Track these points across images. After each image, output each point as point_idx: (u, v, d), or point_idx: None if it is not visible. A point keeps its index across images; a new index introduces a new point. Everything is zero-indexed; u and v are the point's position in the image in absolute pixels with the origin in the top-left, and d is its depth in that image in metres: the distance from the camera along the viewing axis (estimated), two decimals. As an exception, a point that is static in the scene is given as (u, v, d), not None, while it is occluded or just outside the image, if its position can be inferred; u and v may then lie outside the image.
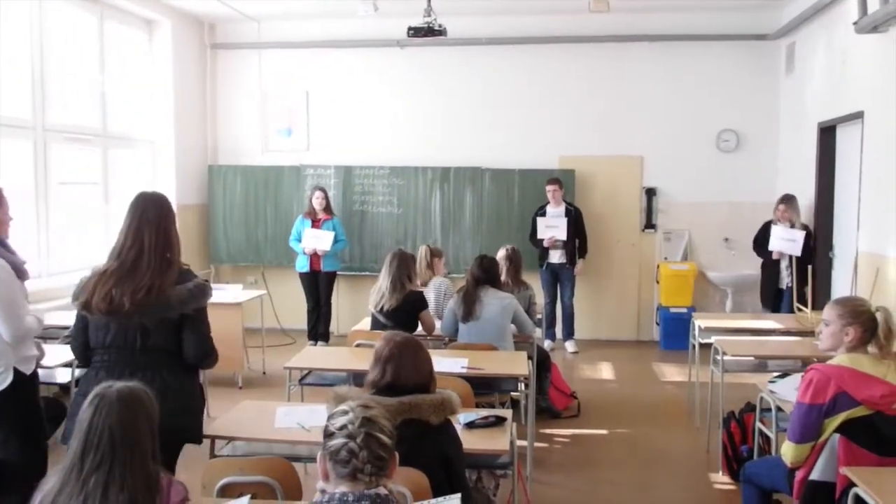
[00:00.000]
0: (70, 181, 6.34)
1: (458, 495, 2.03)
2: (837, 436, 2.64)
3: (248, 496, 2.33)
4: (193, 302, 2.73)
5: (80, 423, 1.84)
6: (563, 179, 7.34)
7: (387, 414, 1.90)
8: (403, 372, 2.49)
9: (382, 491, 1.77)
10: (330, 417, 1.85)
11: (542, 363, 5.23)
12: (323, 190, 7.25)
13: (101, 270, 2.74)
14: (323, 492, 1.82)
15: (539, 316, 5.95)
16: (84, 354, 2.79)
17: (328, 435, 1.81)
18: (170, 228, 2.84)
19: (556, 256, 7.22)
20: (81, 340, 2.78)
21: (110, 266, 2.74)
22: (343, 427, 1.78)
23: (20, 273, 3.40)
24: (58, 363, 4.01)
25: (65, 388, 4.10)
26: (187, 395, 2.79)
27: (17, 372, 3.20)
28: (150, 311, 2.66)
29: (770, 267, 6.43)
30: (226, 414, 3.26)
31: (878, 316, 2.75)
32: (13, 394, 3.17)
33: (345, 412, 1.82)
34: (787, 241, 6.18)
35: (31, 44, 5.79)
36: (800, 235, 6.12)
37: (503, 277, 5.26)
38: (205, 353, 2.80)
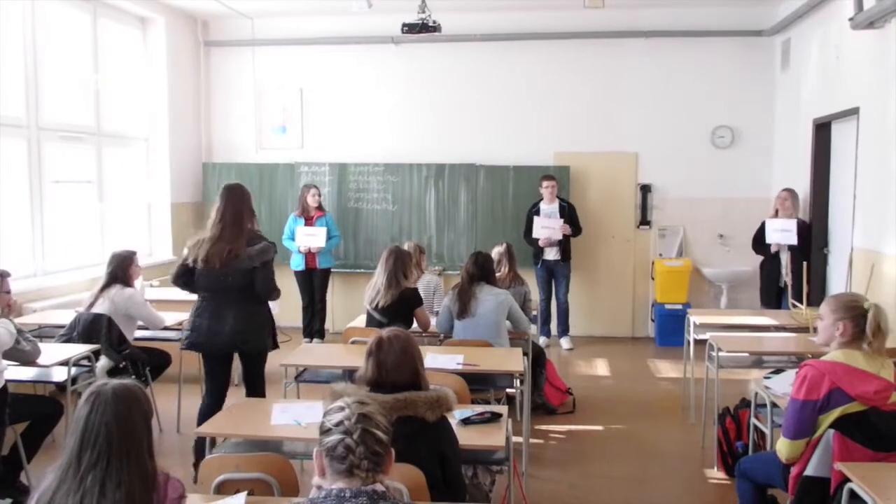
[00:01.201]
0: (64, 180, 6.31)
1: None
2: (832, 431, 2.66)
3: (245, 492, 2.34)
4: (259, 258, 3.93)
5: (77, 420, 1.84)
6: (557, 176, 7.35)
7: (382, 410, 1.90)
8: (384, 367, 2.50)
9: (379, 487, 1.77)
10: (326, 414, 1.85)
11: (538, 359, 5.24)
12: (317, 187, 7.25)
13: (200, 238, 3.96)
14: (319, 488, 1.82)
15: (534, 312, 5.96)
16: (181, 280, 4.02)
17: (324, 431, 1.81)
18: (242, 209, 4.02)
19: (551, 253, 7.22)
20: (180, 272, 4.00)
21: (205, 235, 3.96)
22: (339, 423, 1.79)
23: None
24: (53, 362, 4.00)
25: (61, 386, 4.09)
26: (261, 318, 4.08)
27: None
28: (232, 266, 3.89)
29: (770, 265, 6.40)
30: (222, 411, 3.26)
31: (868, 312, 2.76)
32: None
33: (341, 408, 1.83)
34: (782, 233, 6.18)
35: (24, 42, 5.77)
36: (792, 224, 6.13)
37: (504, 273, 5.28)
38: (269, 290, 4.03)
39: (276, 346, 4.15)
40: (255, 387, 4.07)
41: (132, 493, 1.79)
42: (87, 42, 6.62)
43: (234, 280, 3.89)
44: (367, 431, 1.77)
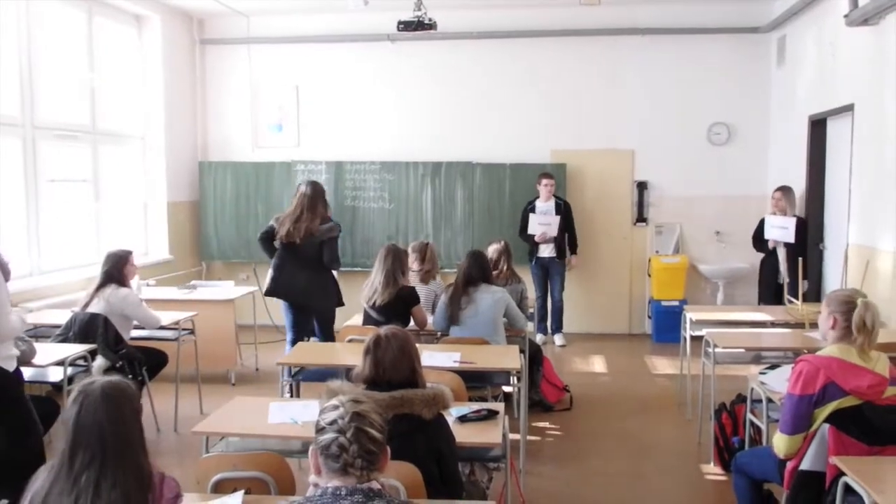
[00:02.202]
0: (60, 178, 6.30)
1: None
2: (827, 426, 2.67)
3: (242, 491, 2.34)
4: (327, 234, 5.24)
5: (66, 421, 1.82)
6: (554, 173, 7.36)
7: (378, 408, 1.90)
8: (381, 365, 2.50)
9: (375, 485, 1.78)
10: (321, 412, 1.85)
11: (534, 357, 5.24)
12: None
13: (282, 217, 5.29)
14: (316, 486, 1.83)
15: (531, 310, 5.96)
16: (263, 240, 5.35)
17: (319, 430, 1.81)
18: (317, 199, 5.28)
19: (546, 251, 7.23)
20: (265, 236, 5.33)
21: (286, 216, 5.25)
22: (333, 422, 1.79)
23: (4, 272, 3.46)
24: (49, 362, 3.99)
25: (57, 386, 4.08)
26: (325, 281, 5.34)
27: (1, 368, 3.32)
28: (308, 240, 5.17)
29: (769, 262, 6.41)
30: (219, 410, 3.26)
31: (855, 308, 2.76)
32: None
33: (335, 407, 1.83)
34: (780, 229, 6.19)
35: (18, 40, 5.75)
36: (791, 222, 6.14)
37: (501, 270, 5.26)
38: (333, 260, 5.28)
39: (340, 303, 5.43)
40: (327, 337, 5.33)
41: (127, 492, 1.77)
42: (82, 40, 6.60)
43: (308, 251, 5.18)
44: (361, 430, 1.77)
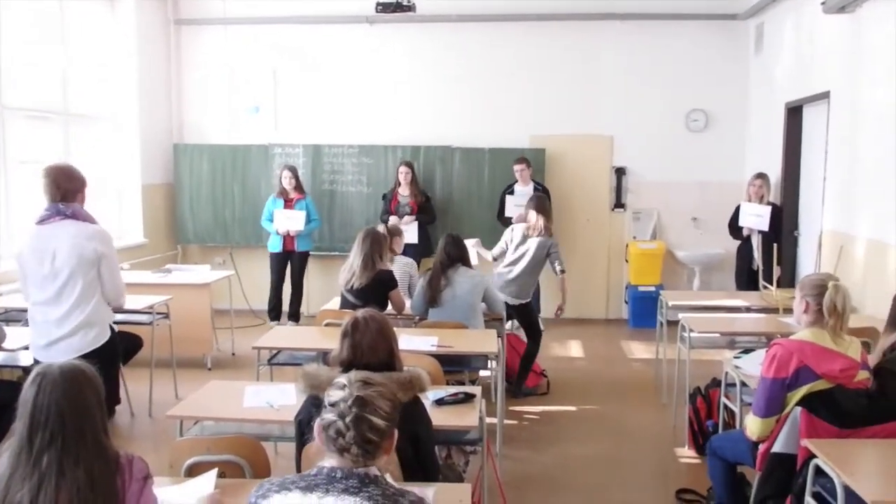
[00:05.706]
0: (30, 160, 6.16)
1: None
2: (799, 409, 2.70)
3: (215, 470, 2.32)
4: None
5: (24, 403, 1.77)
6: (533, 158, 7.34)
7: (389, 392, 1.83)
8: (359, 349, 2.48)
9: (373, 471, 1.73)
10: (330, 386, 1.82)
11: (530, 355, 5.33)
12: (292, 169, 7.13)
13: None
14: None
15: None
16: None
17: (325, 406, 1.78)
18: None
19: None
20: None
21: None
22: (335, 403, 1.75)
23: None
24: (20, 346, 3.92)
25: (28, 371, 4.00)
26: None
27: (110, 328, 3.72)
28: None
29: (744, 249, 6.48)
30: (194, 394, 3.23)
31: (826, 292, 2.79)
32: (109, 348, 3.68)
33: (343, 386, 1.78)
34: (754, 217, 6.25)
35: (-14, 17, 5.60)
36: (765, 210, 6.19)
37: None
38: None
39: None
40: None
41: (91, 470, 1.73)
42: (53, 18, 6.44)
43: None
44: (362, 417, 1.72)
